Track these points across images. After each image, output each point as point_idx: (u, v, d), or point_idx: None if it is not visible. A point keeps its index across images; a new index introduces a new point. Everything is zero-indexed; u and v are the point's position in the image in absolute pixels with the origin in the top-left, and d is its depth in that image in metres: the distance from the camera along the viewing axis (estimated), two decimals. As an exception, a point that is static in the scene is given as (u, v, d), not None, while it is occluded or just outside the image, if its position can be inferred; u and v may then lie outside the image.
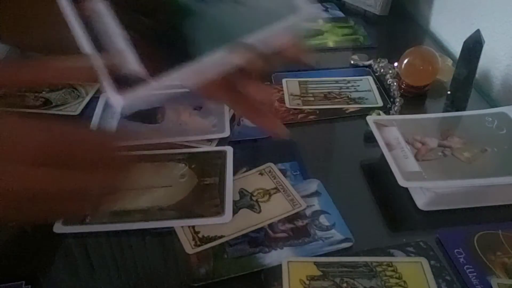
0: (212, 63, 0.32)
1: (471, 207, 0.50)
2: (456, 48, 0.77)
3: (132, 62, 0.31)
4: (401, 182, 0.49)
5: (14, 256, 0.45)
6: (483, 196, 0.50)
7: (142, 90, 0.30)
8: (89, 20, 0.32)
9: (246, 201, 0.50)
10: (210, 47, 0.32)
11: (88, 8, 0.32)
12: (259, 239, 0.46)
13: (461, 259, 0.44)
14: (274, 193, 0.51)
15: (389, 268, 0.43)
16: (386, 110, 0.64)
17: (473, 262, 0.44)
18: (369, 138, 0.59)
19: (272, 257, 0.44)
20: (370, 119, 0.58)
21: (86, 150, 0.30)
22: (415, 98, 0.67)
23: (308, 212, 0.49)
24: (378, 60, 0.73)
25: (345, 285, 0.42)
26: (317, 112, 0.64)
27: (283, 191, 0.52)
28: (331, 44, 0.81)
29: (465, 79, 0.63)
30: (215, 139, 0.59)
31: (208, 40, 0.33)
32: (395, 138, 0.55)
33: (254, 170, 0.54)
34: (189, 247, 0.45)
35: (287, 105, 0.65)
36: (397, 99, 0.65)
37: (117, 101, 0.30)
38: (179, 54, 0.32)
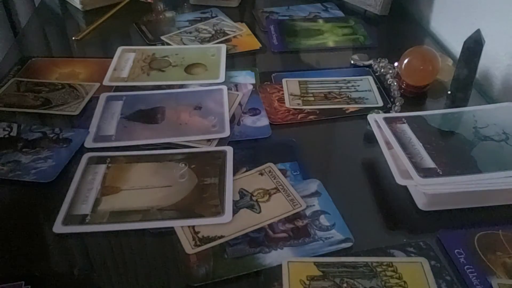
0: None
1: (471, 207, 0.50)
2: (456, 48, 0.77)
3: (428, 160, 0.51)
4: (399, 180, 0.49)
5: (14, 256, 0.46)
6: (483, 196, 0.50)
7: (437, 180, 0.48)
8: (397, 134, 0.55)
9: (246, 201, 0.50)
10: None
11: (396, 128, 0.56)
12: (259, 239, 0.46)
13: (462, 259, 0.44)
14: (274, 193, 0.51)
15: (389, 268, 0.43)
16: (386, 110, 0.64)
17: (473, 262, 0.44)
18: (369, 138, 0.59)
19: (272, 257, 0.44)
20: (372, 117, 0.58)
21: None
22: (415, 98, 0.67)
23: (308, 212, 0.49)
24: (378, 60, 0.73)
25: (345, 285, 0.42)
26: (317, 112, 0.64)
27: (283, 191, 0.51)
28: (331, 44, 0.81)
29: (466, 79, 0.63)
30: (215, 139, 0.59)
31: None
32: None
33: (254, 170, 0.54)
34: (189, 247, 0.45)
35: (287, 105, 0.65)
36: (397, 99, 0.65)
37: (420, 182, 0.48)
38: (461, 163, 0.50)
